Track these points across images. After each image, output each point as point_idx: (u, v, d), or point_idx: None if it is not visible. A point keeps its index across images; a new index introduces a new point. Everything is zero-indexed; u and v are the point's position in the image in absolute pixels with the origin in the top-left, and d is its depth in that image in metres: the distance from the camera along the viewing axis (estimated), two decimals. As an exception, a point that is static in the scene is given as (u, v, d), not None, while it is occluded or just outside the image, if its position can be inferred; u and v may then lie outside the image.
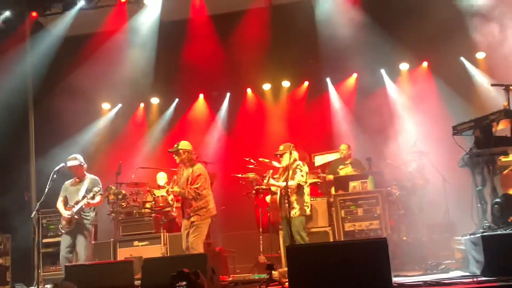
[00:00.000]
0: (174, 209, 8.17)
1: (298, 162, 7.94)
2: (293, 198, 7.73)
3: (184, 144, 7.80)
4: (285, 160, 7.85)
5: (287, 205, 7.54)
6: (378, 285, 4.63)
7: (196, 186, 7.52)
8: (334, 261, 4.83)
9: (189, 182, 7.57)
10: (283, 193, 7.62)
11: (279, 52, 11.64)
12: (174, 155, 7.85)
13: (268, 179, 7.78)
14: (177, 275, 5.10)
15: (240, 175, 9.93)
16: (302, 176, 7.79)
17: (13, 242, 9.79)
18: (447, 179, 9.21)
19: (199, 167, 7.76)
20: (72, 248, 7.81)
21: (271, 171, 7.97)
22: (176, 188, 7.57)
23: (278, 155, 8.02)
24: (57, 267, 8.40)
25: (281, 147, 7.98)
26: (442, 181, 9.21)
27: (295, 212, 7.67)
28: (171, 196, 8.07)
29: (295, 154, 7.91)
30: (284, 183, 7.59)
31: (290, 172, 7.78)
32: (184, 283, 4.90)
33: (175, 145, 7.86)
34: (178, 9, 12.06)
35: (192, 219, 7.53)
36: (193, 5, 11.92)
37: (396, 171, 9.46)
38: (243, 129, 12.32)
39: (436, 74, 11.34)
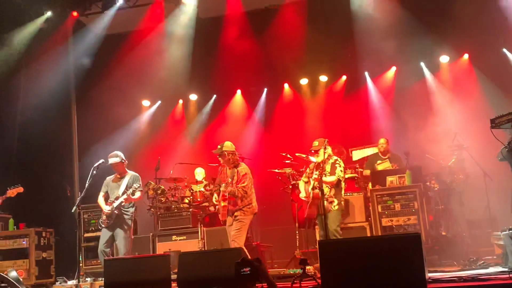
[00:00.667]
0: (216, 206, 8.23)
1: (335, 157, 7.91)
2: (332, 192, 7.69)
3: (228, 146, 7.87)
4: (320, 156, 7.76)
5: (324, 200, 7.46)
6: (412, 281, 4.56)
7: (243, 185, 7.64)
8: (367, 256, 4.79)
9: (234, 182, 7.69)
10: (319, 188, 7.55)
11: (316, 47, 11.55)
12: (218, 156, 7.95)
13: (320, 176, 7.60)
14: (241, 262, 5.28)
15: (277, 170, 9.96)
16: (341, 171, 7.75)
17: (57, 237, 10.07)
18: (488, 173, 9.01)
19: (244, 167, 7.88)
20: (111, 242, 7.97)
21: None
22: (229, 188, 7.65)
23: (313, 151, 7.95)
24: (98, 261, 8.59)
25: (316, 143, 7.91)
26: (482, 175, 9.02)
27: (333, 206, 7.64)
28: (216, 196, 8.11)
29: (329, 149, 7.83)
30: (334, 178, 7.61)
31: (327, 167, 7.71)
32: (248, 269, 5.06)
33: (219, 146, 7.89)
34: (214, 6, 12.14)
35: (235, 213, 7.67)
36: (229, 1, 11.98)
37: (435, 166, 9.31)
38: (280, 125, 12.32)
39: (477, 67, 11.08)
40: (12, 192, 8.25)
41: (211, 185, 10.31)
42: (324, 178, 7.60)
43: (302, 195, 7.97)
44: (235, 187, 7.61)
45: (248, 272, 4.98)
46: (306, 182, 8.01)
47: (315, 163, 7.94)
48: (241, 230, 7.58)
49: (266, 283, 5.18)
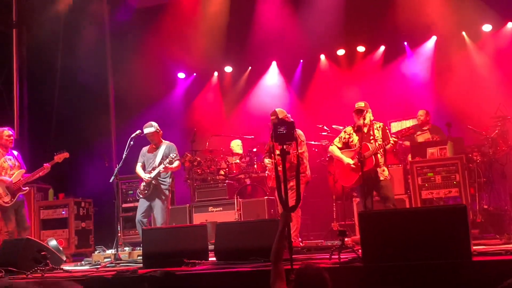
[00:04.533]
0: (267, 173, 8.22)
1: (381, 123, 7.34)
2: (383, 160, 7.19)
3: (283, 111, 7.87)
4: (366, 119, 7.16)
5: (378, 168, 7.05)
6: (457, 253, 4.44)
7: (301, 151, 7.63)
8: (409, 229, 4.67)
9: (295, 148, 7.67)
10: (376, 153, 7.02)
11: (353, 16, 11.28)
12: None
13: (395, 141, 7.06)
14: (279, 122, 5.09)
15: (313, 142, 9.86)
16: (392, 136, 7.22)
17: (95, 207, 10.24)
18: (533, 145, 8.71)
19: (301, 133, 7.82)
20: (148, 212, 8.02)
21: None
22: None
23: (359, 110, 7.26)
24: (136, 231, 8.69)
25: (362, 104, 7.31)
26: (527, 147, 8.72)
27: (386, 174, 7.18)
28: (268, 160, 8.08)
29: (370, 114, 7.29)
30: (389, 145, 6.99)
31: (377, 132, 7.12)
32: (284, 127, 4.81)
33: (273, 117, 7.79)
34: (250, -24, 11.96)
35: (291, 183, 7.50)
36: (265, -29, 11.78)
37: (478, 137, 9.05)
38: (316, 97, 12.13)
39: (522, 35, 10.66)
40: (59, 158, 8.34)
41: (247, 157, 10.29)
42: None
43: (349, 161, 7.22)
44: (292, 153, 7.41)
45: (284, 131, 4.78)
46: (341, 148, 7.42)
47: (354, 126, 7.37)
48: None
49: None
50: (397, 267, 4.50)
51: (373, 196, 7.23)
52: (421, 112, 9.63)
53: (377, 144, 7.01)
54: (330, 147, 7.61)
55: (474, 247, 5.39)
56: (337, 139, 7.54)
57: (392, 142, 7.03)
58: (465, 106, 9.84)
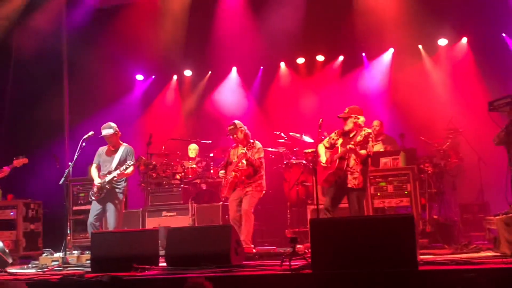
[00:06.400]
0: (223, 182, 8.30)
1: (369, 130, 7.22)
2: (357, 168, 7.02)
3: (240, 123, 8.12)
4: (349, 124, 7.16)
5: (349, 174, 6.96)
6: (403, 262, 4.51)
7: (260, 156, 7.99)
8: (358, 237, 4.72)
9: (249, 154, 7.88)
10: (346, 158, 6.96)
11: (313, 26, 11.39)
12: (233, 135, 8.11)
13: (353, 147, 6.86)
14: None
15: (270, 149, 9.89)
16: (372, 146, 7.19)
17: (45, 209, 9.98)
18: (482, 158, 8.95)
19: (258, 142, 8.12)
20: (101, 215, 7.85)
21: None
22: (248, 154, 7.83)
23: (342, 118, 7.24)
24: (87, 234, 8.50)
25: (346, 110, 7.27)
26: (476, 160, 8.96)
27: (356, 182, 6.99)
28: (222, 172, 8.25)
29: (362, 119, 7.22)
30: (364, 152, 6.90)
31: (358, 138, 6.94)
32: None
33: (231, 126, 8.09)
34: (211, -21, 11.94)
35: (246, 189, 7.90)
36: (226, -25, 11.79)
37: (430, 149, 9.24)
38: (275, 104, 12.19)
39: (476, 50, 10.93)
40: (18, 162, 8.22)
41: (203, 162, 10.24)
42: (356, 149, 6.90)
43: (323, 160, 7.20)
44: (253, 157, 7.85)
45: None
46: (327, 148, 7.35)
47: (341, 130, 7.30)
48: (252, 206, 7.89)
49: None
50: (345, 275, 4.54)
51: (340, 200, 7.15)
52: (375, 123, 9.77)
53: (348, 147, 6.98)
54: (319, 145, 7.52)
55: (422, 257, 5.50)
56: (326, 139, 7.48)
57: (366, 152, 6.98)
58: (419, 117, 10.04)
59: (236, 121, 8.20)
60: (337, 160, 6.99)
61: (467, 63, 10.93)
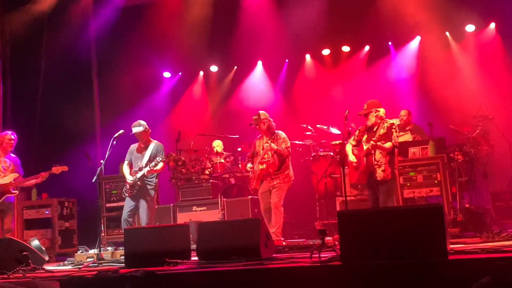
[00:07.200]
0: (251, 175, 8.35)
1: (390, 121, 7.33)
2: (385, 160, 7.09)
3: (264, 114, 8.16)
4: (371, 119, 7.24)
5: (377, 167, 7.08)
6: (433, 252, 4.49)
7: (288, 146, 8.01)
8: (387, 228, 4.71)
9: (277, 145, 7.94)
10: (373, 154, 7.08)
11: (338, 16, 11.35)
12: (256, 125, 8.16)
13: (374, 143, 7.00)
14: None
15: (297, 142, 9.91)
16: (397, 136, 7.23)
17: (79, 207, 10.20)
18: (513, 145, 8.83)
19: (282, 132, 8.17)
20: (134, 211, 8.00)
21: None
22: (274, 146, 7.87)
23: (363, 115, 7.35)
24: (121, 231, 8.68)
25: (365, 106, 7.34)
26: (507, 147, 8.83)
27: (387, 175, 7.09)
28: (250, 165, 8.26)
29: (383, 111, 7.29)
30: (389, 144, 6.99)
31: (381, 131, 7.08)
32: None
33: (255, 117, 8.15)
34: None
35: (274, 182, 7.93)
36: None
37: (460, 137, 9.14)
38: (301, 96, 12.19)
39: (504, 36, 10.75)
40: (57, 169, 8.37)
41: (231, 157, 10.32)
42: (379, 144, 7.02)
43: (351, 158, 7.29)
44: (281, 147, 7.86)
45: None
46: (354, 146, 7.42)
47: (365, 126, 7.37)
48: (282, 198, 7.92)
49: None
50: (374, 266, 4.55)
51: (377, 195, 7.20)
52: (403, 112, 9.70)
53: (371, 143, 7.02)
54: (346, 144, 7.58)
55: (453, 246, 5.47)
56: (352, 137, 7.54)
57: (392, 144, 7.04)
58: (447, 106, 9.94)
59: (261, 112, 8.23)
60: (364, 157, 7.11)
61: (495, 49, 10.76)
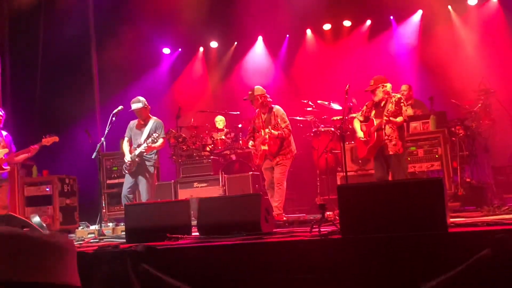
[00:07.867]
0: (253, 151, 8.34)
1: (398, 95, 7.28)
2: (395, 134, 7.06)
3: (258, 89, 8.06)
4: (379, 95, 7.18)
5: (387, 141, 7.04)
6: (432, 225, 4.48)
7: (286, 123, 7.94)
8: (386, 201, 4.69)
9: (273, 124, 7.87)
10: (383, 128, 7.04)
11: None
12: (251, 102, 8.13)
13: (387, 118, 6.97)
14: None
15: (298, 118, 9.87)
16: (406, 110, 7.24)
17: (80, 183, 10.22)
18: (516, 119, 8.77)
19: (279, 108, 8.08)
20: (134, 188, 8.01)
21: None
22: (275, 132, 7.81)
23: (370, 91, 7.29)
24: (121, 207, 8.70)
25: (371, 82, 7.29)
26: (509, 121, 8.78)
27: (399, 149, 7.05)
28: (251, 142, 8.24)
29: (389, 86, 7.24)
30: (401, 118, 6.99)
31: (390, 106, 7.05)
32: None
33: (250, 92, 8.09)
34: None
35: (277, 159, 7.92)
36: None
37: (461, 111, 9.09)
38: (302, 72, 12.11)
39: (506, 9, 10.61)
40: (47, 141, 8.07)
41: (232, 133, 10.29)
42: (391, 119, 6.97)
43: (360, 135, 7.31)
44: (281, 129, 7.80)
45: None
46: (362, 121, 7.41)
47: (371, 101, 7.34)
48: (285, 174, 7.95)
49: None
50: (374, 239, 4.54)
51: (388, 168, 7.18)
52: (404, 87, 9.62)
53: (384, 119, 7.00)
54: (354, 120, 7.59)
55: (453, 219, 5.46)
56: (359, 113, 7.54)
57: (403, 118, 7.04)
58: (448, 80, 9.86)
59: (256, 87, 8.16)
60: (375, 132, 7.07)
61: (498, 22, 10.64)
